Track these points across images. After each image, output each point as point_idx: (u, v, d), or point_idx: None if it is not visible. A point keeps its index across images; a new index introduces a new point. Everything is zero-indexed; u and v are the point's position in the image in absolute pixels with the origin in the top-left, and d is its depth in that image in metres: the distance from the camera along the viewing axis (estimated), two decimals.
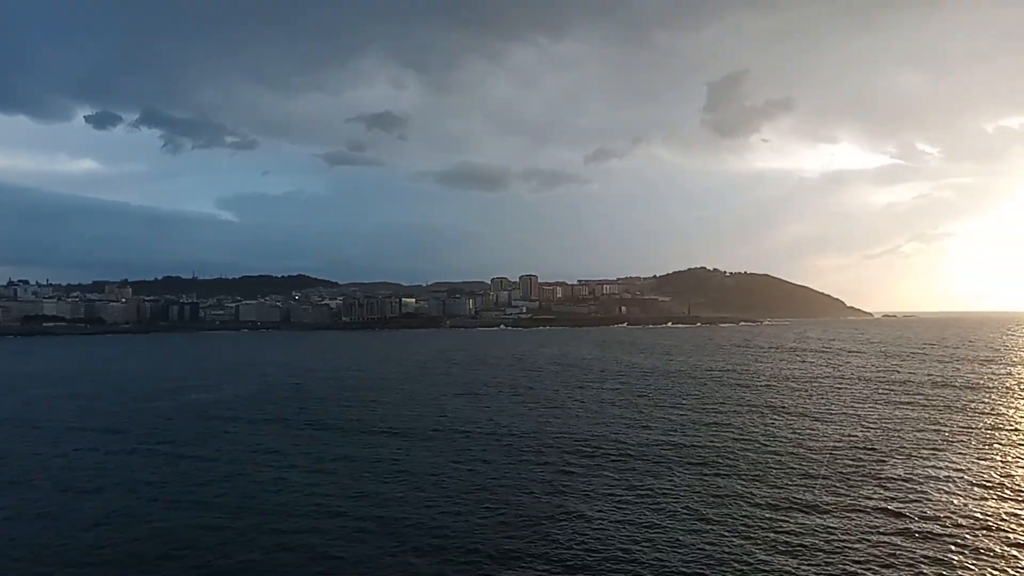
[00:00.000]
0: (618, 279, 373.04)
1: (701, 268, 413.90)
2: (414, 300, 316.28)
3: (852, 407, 44.86)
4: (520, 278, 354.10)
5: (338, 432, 38.86)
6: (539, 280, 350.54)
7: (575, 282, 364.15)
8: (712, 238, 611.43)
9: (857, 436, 34.79)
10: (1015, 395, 50.38)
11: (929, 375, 64.46)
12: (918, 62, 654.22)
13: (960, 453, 30.72)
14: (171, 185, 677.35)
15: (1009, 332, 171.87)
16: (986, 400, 47.50)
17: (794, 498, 24.13)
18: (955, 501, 23.52)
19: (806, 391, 54.02)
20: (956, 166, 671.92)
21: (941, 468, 27.93)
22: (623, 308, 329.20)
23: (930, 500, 23.67)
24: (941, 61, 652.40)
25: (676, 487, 25.84)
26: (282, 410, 47.31)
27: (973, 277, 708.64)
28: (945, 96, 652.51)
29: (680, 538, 20.61)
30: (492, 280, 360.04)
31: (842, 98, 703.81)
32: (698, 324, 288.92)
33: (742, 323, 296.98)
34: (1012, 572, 18.02)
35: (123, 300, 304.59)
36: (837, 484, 25.75)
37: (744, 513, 22.67)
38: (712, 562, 18.92)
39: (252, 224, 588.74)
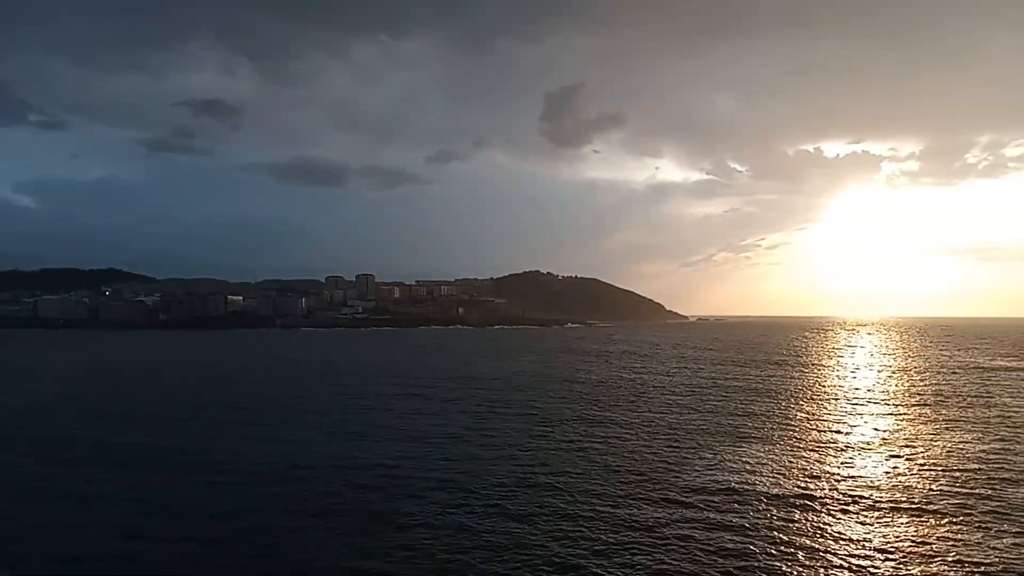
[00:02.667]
0: (456, 280, 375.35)
1: (536, 271, 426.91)
2: (242, 298, 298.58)
3: (656, 412, 47.34)
4: (356, 277, 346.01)
5: (94, 453, 34.69)
6: (376, 280, 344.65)
7: (413, 282, 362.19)
8: (547, 243, 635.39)
9: (659, 442, 36.67)
10: (803, 398, 55.65)
11: (728, 378, 70.48)
12: (731, 88, 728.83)
13: (756, 458, 32.99)
14: None
15: (798, 336, 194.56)
16: (774, 401, 52.10)
17: (597, 510, 24.67)
18: (750, 508, 25.01)
19: (616, 396, 56.65)
20: (761, 184, 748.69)
21: (735, 475, 29.76)
22: (461, 309, 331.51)
23: (725, 509, 25.03)
24: (750, 88, 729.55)
25: (477, 505, 25.54)
26: (39, 427, 42.17)
27: (773, 284, 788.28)
28: (753, 120, 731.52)
29: (474, 561, 20.38)
30: (327, 279, 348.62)
31: (666, 116, 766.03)
32: (528, 325, 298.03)
33: (570, 324, 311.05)
34: None
35: None
36: (632, 496, 26.73)
37: (544, 528, 22.83)
38: None
39: (56, 212, 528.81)
